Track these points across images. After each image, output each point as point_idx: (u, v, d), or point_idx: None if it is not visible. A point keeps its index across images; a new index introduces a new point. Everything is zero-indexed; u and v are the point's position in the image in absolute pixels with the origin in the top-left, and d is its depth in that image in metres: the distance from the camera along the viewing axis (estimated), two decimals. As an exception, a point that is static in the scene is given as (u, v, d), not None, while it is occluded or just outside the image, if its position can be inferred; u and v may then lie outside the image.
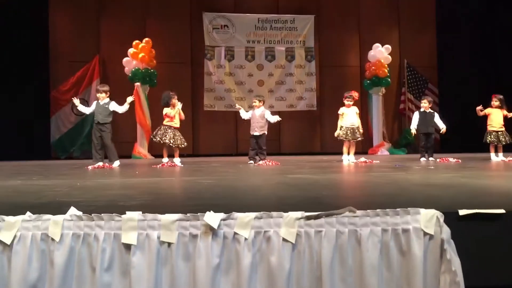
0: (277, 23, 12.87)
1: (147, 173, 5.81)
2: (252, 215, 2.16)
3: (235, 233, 2.14)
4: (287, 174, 5.11)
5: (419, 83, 13.12)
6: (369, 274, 2.12)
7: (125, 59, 11.38)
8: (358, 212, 2.16)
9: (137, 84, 11.23)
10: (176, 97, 7.80)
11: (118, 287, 2.12)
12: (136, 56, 11.21)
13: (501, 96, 8.17)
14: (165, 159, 7.77)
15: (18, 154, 10.11)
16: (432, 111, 8.52)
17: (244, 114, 8.32)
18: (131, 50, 11.28)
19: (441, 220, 2.13)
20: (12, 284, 2.08)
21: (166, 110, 7.75)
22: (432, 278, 2.12)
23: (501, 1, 12.09)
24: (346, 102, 8.20)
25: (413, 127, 8.41)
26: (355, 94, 8.31)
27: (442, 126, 8.34)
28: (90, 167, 6.84)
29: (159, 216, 2.16)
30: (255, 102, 8.23)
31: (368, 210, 2.16)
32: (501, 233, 2.15)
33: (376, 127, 12.47)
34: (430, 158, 8.21)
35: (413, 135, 8.72)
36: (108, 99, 7.50)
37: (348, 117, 8.17)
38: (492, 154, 8.14)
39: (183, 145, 7.83)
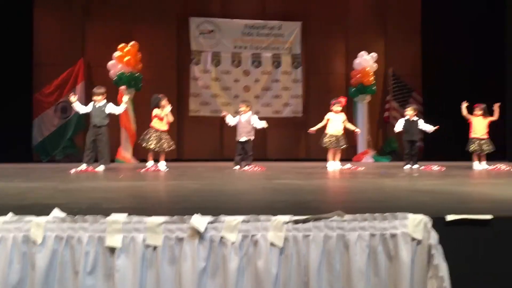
0: (264, 29, 12.89)
1: (131, 177, 5.74)
2: (240, 218, 2.14)
3: (222, 237, 2.11)
4: (273, 180, 5.09)
5: (404, 92, 13.23)
6: (357, 279, 2.10)
7: (110, 63, 11.28)
8: (346, 217, 2.15)
9: (122, 87, 11.12)
10: (166, 99, 7.76)
11: (102, 291, 2.07)
12: (122, 59, 11.12)
13: (484, 105, 8.27)
14: (150, 163, 7.69)
15: (-2, 157, 9.93)
16: (416, 118, 8.59)
17: (231, 120, 8.29)
18: (116, 54, 11.18)
19: (429, 225, 2.13)
20: (-8, 287, 2.02)
21: (156, 111, 7.69)
22: (420, 283, 2.11)
23: (486, 11, 12.28)
24: (335, 108, 8.23)
25: (397, 129, 8.53)
26: (343, 100, 8.36)
27: (430, 128, 8.42)
28: (73, 171, 6.73)
29: (145, 218, 2.12)
30: (242, 107, 8.21)
31: (356, 215, 2.15)
32: (488, 239, 2.15)
33: (361, 135, 12.52)
34: (414, 166, 8.27)
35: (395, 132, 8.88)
36: (104, 101, 7.38)
37: (334, 123, 8.20)
38: (476, 163, 8.23)
39: (169, 149, 7.77)
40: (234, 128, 8.34)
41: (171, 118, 7.80)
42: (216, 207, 2.60)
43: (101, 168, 7.15)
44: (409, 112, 8.55)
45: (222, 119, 12.26)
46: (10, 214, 2.13)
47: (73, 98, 7.33)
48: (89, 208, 2.55)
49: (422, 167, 8.01)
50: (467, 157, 8.73)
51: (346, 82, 13.03)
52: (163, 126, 7.69)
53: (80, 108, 7.38)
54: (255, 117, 8.19)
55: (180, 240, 2.10)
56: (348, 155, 11.76)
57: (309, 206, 2.71)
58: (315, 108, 12.28)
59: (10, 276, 2.04)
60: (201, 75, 12.53)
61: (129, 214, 2.13)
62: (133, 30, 12.12)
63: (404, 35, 13.35)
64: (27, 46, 11.62)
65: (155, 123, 7.67)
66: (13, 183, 4.50)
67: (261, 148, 12.45)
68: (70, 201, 2.90)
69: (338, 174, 6.51)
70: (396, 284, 2.10)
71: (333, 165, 8.15)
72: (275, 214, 2.16)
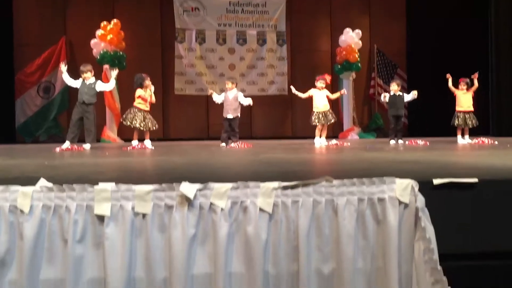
0: (248, 7, 12.75)
1: (117, 154, 5.70)
2: (229, 185, 2.14)
3: (212, 203, 2.12)
4: (260, 154, 5.10)
5: (389, 69, 13.27)
6: (346, 242, 2.13)
7: (93, 41, 11.10)
8: (335, 182, 2.16)
9: (106, 66, 10.98)
10: (149, 79, 7.68)
11: (91, 259, 2.07)
12: (105, 38, 10.94)
13: (468, 79, 8.34)
14: (135, 142, 7.65)
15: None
16: (401, 93, 8.64)
17: (217, 98, 8.24)
18: (99, 32, 10.99)
19: (416, 189, 2.15)
20: (-21, 257, 2.00)
21: (139, 92, 7.61)
22: (407, 246, 2.14)
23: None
24: (318, 84, 8.24)
25: (384, 100, 8.71)
26: (328, 78, 8.36)
27: (412, 95, 8.45)
28: (58, 149, 6.66)
29: (133, 186, 2.11)
30: (228, 84, 8.17)
31: (345, 180, 2.17)
32: (474, 202, 2.19)
33: (347, 112, 12.58)
34: (399, 141, 8.34)
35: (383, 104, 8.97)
36: (94, 79, 7.25)
37: (319, 100, 8.22)
38: (459, 137, 8.33)
39: (154, 128, 7.73)
40: (220, 107, 8.30)
41: (154, 100, 7.73)
42: (204, 178, 2.60)
43: (87, 146, 7.07)
44: (394, 87, 8.59)
45: (208, 98, 12.22)
46: (-4, 185, 2.10)
47: (63, 66, 7.21)
48: (76, 179, 2.52)
49: (407, 142, 8.09)
50: (451, 133, 8.83)
51: (331, 59, 13.00)
52: (146, 106, 7.63)
53: (68, 79, 7.22)
54: (241, 94, 8.16)
55: (169, 207, 2.10)
56: (334, 132, 11.81)
57: (297, 175, 2.72)
58: (301, 85, 12.16)
59: (-2, 246, 2.03)
60: (186, 53, 12.39)
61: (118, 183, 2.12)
62: (115, 7, 11.91)
63: (388, 12, 13.32)
64: (7, 26, 11.36)
65: (138, 103, 7.60)
66: (-3, 160, 4.44)
67: (246, 126, 12.43)
68: (56, 174, 2.87)
69: (324, 149, 6.54)
70: (384, 246, 2.13)
71: (320, 142, 8.18)
72: (263, 182, 2.17)
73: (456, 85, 8.39)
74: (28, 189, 2.07)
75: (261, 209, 2.12)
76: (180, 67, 12.34)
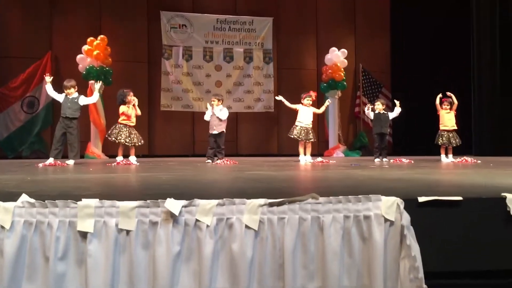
0: (235, 24, 12.87)
1: (101, 170, 5.64)
2: (214, 202, 2.12)
3: (197, 220, 2.09)
4: (245, 171, 5.09)
5: (373, 87, 13.44)
6: (331, 260, 2.12)
7: (79, 56, 11.07)
8: (321, 199, 2.16)
9: (91, 82, 10.93)
10: (131, 93, 7.65)
11: (73, 276, 2.03)
12: (91, 53, 10.93)
13: (450, 99, 8.46)
14: (120, 158, 7.60)
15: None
16: (386, 112, 8.74)
17: (206, 115, 8.27)
18: (85, 47, 10.98)
19: (401, 206, 2.16)
20: (-43, 274, 1.95)
21: (123, 108, 7.59)
22: (392, 264, 2.14)
23: (453, 9, 12.56)
24: (306, 101, 8.29)
25: (369, 116, 8.82)
26: (313, 94, 8.42)
27: (396, 111, 8.59)
28: (41, 165, 6.58)
29: (118, 203, 2.08)
30: (214, 101, 8.18)
31: (331, 197, 2.16)
32: (458, 220, 2.20)
33: (332, 130, 12.67)
34: (384, 159, 8.40)
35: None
36: (77, 94, 7.20)
37: (304, 116, 8.26)
38: (443, 156, 8.41)
39: (139, 143, 7.69)
40: (206, 124, 8.31)
41: (139, 112, 7.70)
42: (189, 194, 2.58)
43: (70, 162, 6.99)
44: (378, 106, 8.69)
45: (194, 114, 12.25)
46: (-24, 200, 2.06)
47: (48, 78, 7.15)
48: (59, 195, 2.48)
49: (392, 160, 8.15)
50: (435, 152, 8.93)
51: (317, 78, 13.15)
52: (130, 122, 7.60)
53: (51, 92, 7.15)
54: (218, 108, 8.09)
55: (154, 224, 2.07)
56: (320, 149, 11.89)
57: (283, 192, 2.72)
58: (287, 107, 12.32)
59: (-23, 263, 1.98)
60: (173, 69, 12.43)
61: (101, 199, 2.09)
62: (102, 23, 11.93)
63: (373, 32, 13.56)
64: (-9, 39, 11.30)
65: (122, 120, 7.58)
66: (-22, 175, 4.36)
67: (232, 143, 12.44)
68: (38, 189, 2.82)
69: (310, 166, 6.56)
70: (369, 264, 2.12)
71: (305, 159, 8.20)
72: (249, 198, 2.15)
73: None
74: (10, 204, 2.03)
75: (246, 226, 2.11)
76: (166, 83, 12.36)
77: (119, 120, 7.60)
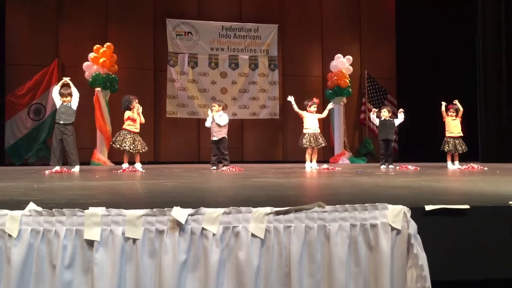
0: (241, 31, 12.92)
1: (108, 177, 5.66)
2: (221, 210, 2.12)
3: (203, 229, 2.09)
4: (251, 178, 5.08)
5: (379, 94, 13.43)
6: (338, 269, 2.11)
7: (85, 64, 11.14)
8: (327, 208, 2.16)
9: (98, 89, 11.00)
10: (136, 100, 7.68)
11: (80, 285, 2.03)
12: (97, 60, 10.99)
13: (457, 106, 8.44)
14: (125, 165, 7.61)
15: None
16: (391, 119, 8.73)
17: (207, 122, 8.28)
18: (91, 55, 11.05)
19: (408, 215, 2.15)
20: (-35, 282, 1.96)
21: (128, 113, 7.62)
22: (399, 273, 2.13)
23: (458, 16, 12.55)
24: (312, 108, 8.30)
25: (375, 122, 8.83)
26: (316, 100, 8.44)
27: (400, 118, 8.60)
28: (47, 172, 6.61)
29: (124, 211, 2.08)
30: (214, 106, 8.20)
31: (337, 206, 2.16)
32: (466, 228, 2.19)
33: (338, 136, 12.66)
34: (390, 166, 8.38)
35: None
36: (72, 101, 7.23)
37: (310, 122, 8.27)
38: (449, 163, 8.38)
39: (143, 150, 7.70)
40: (210, 130, 8.34)
41: (143, 120, 7.72)
42: (195, 202, 2.58)
43: (76, 169, 7.02)
44: (385, 113, 8.68)
45: (199, 121, 12.26)
46: (-16, 208, 2.07)
47: (66, 78, 7.20)
48: (66, 203, 2.49)
49: (398, 167, 8.12)
50: (441, 159, 8.90)
51: (322, 85, 13.15)
52: (135, 128, 7.62)
53: (55, 94, 7.18)
54: (218, 114, 8.10)
55: (160, 232, 2.08)
56: (325, 156, 11.87)
57: (289, 200, 2.71)
58: (292, 110, 12.31)
59: (-16, 271, 1.98)
60: (178, 77, 12.48)
61: (108, 208, 2.09)
62: (108, 30, 12.01)
63: (378, 38, 13.56)
64: (0, 46, 11.39)
65: (128, 125, 7.60)
66: (-15, 183, 4.38)
67: (238, 150, 12.46)
68: (45, 197, 2.84)
69: (316, 173, 6.55)
70: (376, 273, 2.11)
71: (311, 166, 8.19)
72: (255, 206, 2.15)
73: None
74: (17, 213, 2.04)
75: (253, 235, 2.10)
76: (172, 91, 12.41)
77: (124, 126, 7.63)
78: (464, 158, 8.76)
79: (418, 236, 2.13)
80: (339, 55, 12.60)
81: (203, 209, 2.11)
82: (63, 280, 2.01)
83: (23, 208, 2.07)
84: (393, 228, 2.13)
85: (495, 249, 2.17)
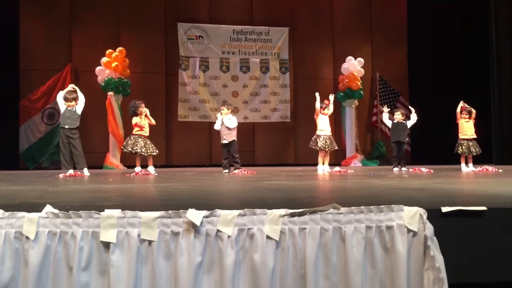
0: (252, 35, 12.94)
1: (121, 180, 5.69)
2: (236, 212, 2.12)
3: (218, 231, 2.09)
4: (264, 181, 5.08)
5: (391, 96, 13.36)
6: (354, 271, 2.10)
7: (98, 68, 11.23)
8: (342, 209, 2.15)
9: (110, 93, 11.09)
10: (143, 105, 7.72)
11: (96, 286, 2.04)
12: (109, 65, 11.08)
13: (470, 109, 8.38)
14: (138, 168, 7.65)
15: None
16: (404, 121, 8.68)
17: (217, 125, 8.30)
18: (104, 59, 11.14)
19: (424, 217, 2.13)
20: (-17, 284, 1.98)
21: (135, 120, 7.68)
22: (416, 275, 2.11)
23: (471, 17, 12.47)
24: (326, 111, 8.28)
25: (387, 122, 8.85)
26: (327, 102, 8.41)
27: (413, 118, 8.55)
28: (61, 175, 6.66)
29: (140, 213, 2.09)
30: (223, 109, 8.23)
31: (352, 207, 2.15)
32: (483, 230, 2.16)
33: (349, 139, 12.61)
34: (403, 168, 8.33)
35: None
36: (77, 106, 7.27)
37: (325, 124, 8.25)
38: (463, 165, 8.31)
39: (154, 153, 7.72)
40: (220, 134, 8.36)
41: (153, 121, 7.76)
42: (210, 204, 2.58)
43: (86, 172, 7.07)
44: (398, 116, 8.64)
45: (211, 124, 12.28)
46: (1, 211, 2.09)
47: (72, 86, 7.25)
48: (82, 206, 2.51)
49: (411, 169, 8.07)
50: (454, 161, 8.82)
51: (334, 87, 13.11)
52: (144, 132, 7.66)
53: (60, 99, 7.23)
54: (227, 117, 8.11)
55: (175, 234, 2.08)
56: (337, 159, 11.82)
57: (303, 202, 2.71)
58: (304, 113, 12.34)
59: (2, 273, 2.00)
60: (190, 80, 12.52)
61: (123, 210, 2.10)
62: (120, 35, 12.09)
63: (390, 41, 13.50)
64: (13, 52, 11.54)
65: (136, 131, 7.65)
66: (0, 186, 4.43)
67: (249, 154, 12.46)
68: (61, 200, 2.86)
69: (328, 176, 6.53)
70: (392, 276, 2.10)
71: (323, 169, 8.17)
72: (270, 208, 2.15)
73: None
74: (34, 215, 2.06)
75: (268, 237, 2.10)
76: (183, 94, 12.46)
77: (133, 132, 7.68)
78: (478, 160, 8.68)
79: (434, 238, 2.11)
80: (350, 57, 12.56)
81: (218, 211, 2.11)
82: (80, 282, 2.02)
83: (40, 211, 2.09)
84: (409, 230, 2.12)
85: (513, 251, 2.14)
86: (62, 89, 11.42)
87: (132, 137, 7.65)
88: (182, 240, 2.08)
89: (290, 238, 2.12)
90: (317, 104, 8.27)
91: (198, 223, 2.06)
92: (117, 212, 2.09)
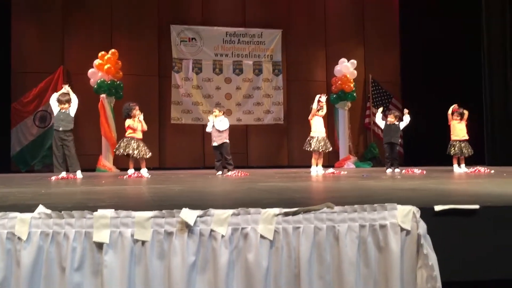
0: (245, 37, 12.95)
1: (114, 183, 5.67)
2: (229, 211, 2.12)
3: (212, 230, 2.09)
4: (257, 182, 5.08)
5: (383, 98, 13.41)
6: (347, 270, 2.10)
7: (90, 71, 11.19)
8: (336, 208, 2.15)
9: (103, 96, 11.04)
10: (137, 107, 7.69)
11: (89, 287, 2.03)
12: (102, 67, 11.03)
13: (462, 110, 8.43)
14: (131, 171, 7.62)
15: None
16: (396, 123, 8.71)
17: (208, 127, 8.28)
18: (96, 62, 11.10)
19: (418, 215, 2.14)
20: (-25, 285, 1.96)
21: (128, 122, 7.64)
22: (409, 273, 2.12)
23: (463, 19, 12.54)
24: (321, 113, 8.27)
25: (379, 122, 8.89)
26: (321, 103, 8.39)
27: (406, 119, 8.57)
28: (53, 178, 6.62)
29: (133, 213, 2.08)
30: (215, 111, 8.22)
31: (346, 206, 2.15)
32: (475, 228, 2.17)
33: (342, 141, 12.64)
34: (396, 170, 8.35)
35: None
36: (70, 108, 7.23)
37: (320, 126, 8.25)
38: (455, 166, 8.34)
39: (147, 156, 7.69)
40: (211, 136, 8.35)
41: (145, 126, 7.73)
42: (203, 205, 2.57)
43: (79, 175, 7.03)
44: (391, 119, 8.66)
45: (204, 127, 12.26)
46: (-6, 212, 2.07)
47: (66, 87, 7.18)
48: (74, 207, 2.50)
49: (404, 171, 8.09)
50: (446, 163, 8.86)
51: (327, 89, 13.13)
52: (137, 134, 7.63)
53: (54, 102, 7.15)
54: (218, 119, 8.10)
55: (169, 234, 2.08)
56: (330, 161, 11.84)
57: (297, 202, 2.70)
58: (297, 115, 12.37)
59: (-6, 274, 1.99)
60: (183, 83, 12.51)
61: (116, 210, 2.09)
62: (113, 37, 12.06)
63: (383, 43, 13.57)
64: (5, 54, 11.46)
65: (129, 133, 7.62)
66: (-7, 189, 4.39)
67: (242, 155, 12.46)
68: (53, 201, 2.84)
69: (322, 177, 6.53)
70: (386, 274, 2.10)
71: (316, 170, 8.17)
72: (264, 208, 2.15)
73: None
74: (27, 215, 2.05)
75: (262, 236, 2.10)
76: (176, 97, 12.44)
77: (126, 134, 7.65)
78: (470, 161, 8.72)
79: (428, 236, 2.12)
80: (343, 59, 12.60)
81: (212, 211, 2.11)
82: (73, 282, 2.01)
83: (32, 211, 2.08)
84: (402, 229, 2.12)
85: (506, 249, 2.16)
86: (54, 91, 11.40)
87: (125, 139, 7.62)
88: (175, 240, 2.07)
89: (284, 237, 2.12)
90: (314, 105, 8.27)
91: (191, 223, 2.06)
92: (110, 212, 2.08)
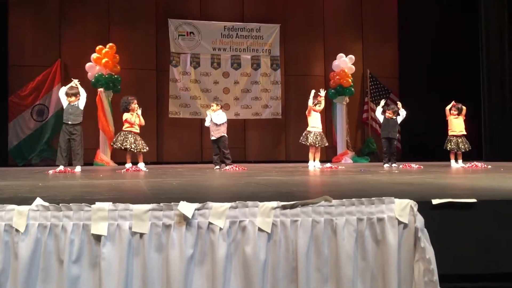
0: (243, 31, 12.92)
1: (112, 176, 5.66)
2: (227, 204, 2.12)
3: (210, 223, 2.09)
4: (255, 176, 5.08)
5: (381, 93, 13.40)
6: (345, 263, 2.11)
7: (88, 64, 11.15)
8: (334, 202, 2.15)
9: (100, 89, 11.01)
10: (135, 101, 7.68)
11: (87, 279, 2.03)
12: (99, 61, 11.00)
13: (460, 105, 8.44)
14: (128, 165, 7.62)
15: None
16: (394, 118, 8.72)
17: (207, 121, 8.30)
18: (94, 55, 11.06)
19: (415, 209, 2.15)
20: (-27, 277, 1.96)
21: (126, 116, 7.63)
22: (407, 267, 2.13)
23: (461, 14, 12.53)
24: (317, 108, 8.25)
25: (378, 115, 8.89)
26: (319, 98, 8.37)
27: (402, 114, 8.57)
28: (51, 171, 6.62)
29: (131, 206, 2.08)
30: (213, 106, 8.23)
31: (344, 200, 2.16)
32: (473, 222, 2.18)
33: (340, 136, 12.65)
34: (393, 164, 8.36)
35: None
36: (78, 101, 7.20)
37: (315, 121, 8.25)
38: (452, 161, 8.37)
39: (144, 150, 7.69)
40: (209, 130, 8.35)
41: (142, 121, 7.71)
42: (201, 198, 2.57)
43: (78, 169, 7.01)
44: (389, 115, 8.66)
45: (202, 121, 12.26)
46: (-9, 204, 2.07)
47: (76, 81, 7.15)
48: (72, 199, 2.50)
49: (401, 166, 8.11)
50: (444, 158, 8.88)
51: (325, 84, 13.11)
52: (135, 129, 7.62)
53: (62, 94, 7.10)
54: (215, 114, 8.10)
55: (167, 227, 2.08)
56: (328, 156, 11.85)
57: (295, 195, 2.71)
58: (295, 109, 12.36)
59: (-8, 266, 1.98)
60: (180, 77, 12.48)
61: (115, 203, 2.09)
62: (111, 31, 12.02)
63: (381, 38, 13.55)
64: (2, 47, 11.40)
65: (126, 127, 7.61)
66: (-10, 182, 4.39)
67: (240, 150, 12.45)
68: (51, 194, 2.84)
69: (319, 172, 6.54)
70: (383, 267, 2.11)
71: (314, 165, 8.18)
72: (262, 201, 2.15)
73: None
74: (24, 208, 2.04)
75: (259, 229, 2.10)
76: (174, 91, 12.41)
77: (123, 128, 7.65)
78: (467, 157, 8.75)
79: (425, 230, 2.13)
80: (341, 54, 12.58)
81: (210, 204, 2.11)
82: (71, 275, 2.01)
83: (30, 204, 2.08)
84: (400, 222, 2.13)
85: (503, 242, 2.17)
86: (52, 85, 11.42)
87: (122, 133, 7.62)
88: (173, 233, 2.07)
89: (281, 230, 2.12)
90: (310, 101, 8.24)
91: (189, 216, 2.06)
92: (108, 205, 2.08)
